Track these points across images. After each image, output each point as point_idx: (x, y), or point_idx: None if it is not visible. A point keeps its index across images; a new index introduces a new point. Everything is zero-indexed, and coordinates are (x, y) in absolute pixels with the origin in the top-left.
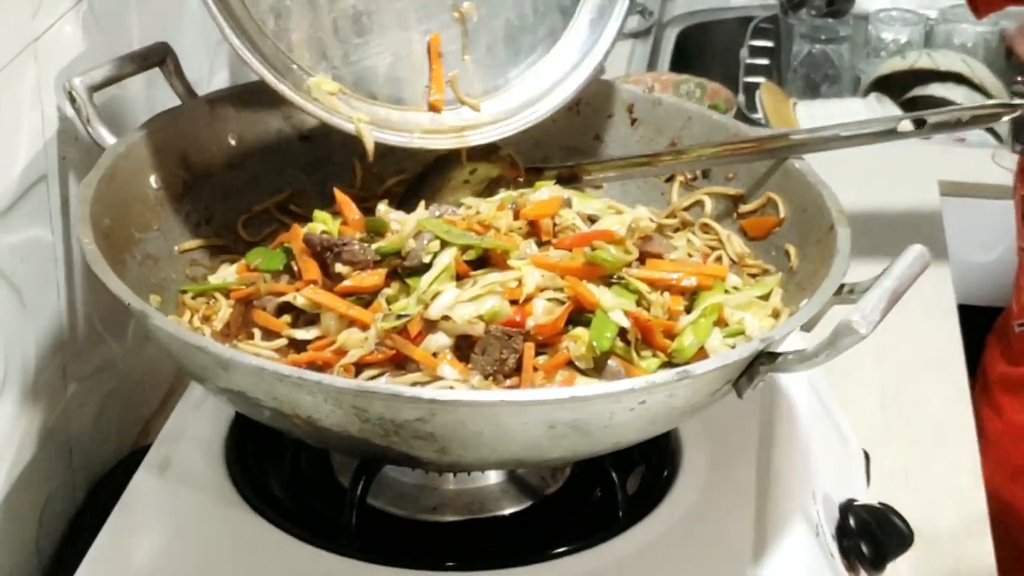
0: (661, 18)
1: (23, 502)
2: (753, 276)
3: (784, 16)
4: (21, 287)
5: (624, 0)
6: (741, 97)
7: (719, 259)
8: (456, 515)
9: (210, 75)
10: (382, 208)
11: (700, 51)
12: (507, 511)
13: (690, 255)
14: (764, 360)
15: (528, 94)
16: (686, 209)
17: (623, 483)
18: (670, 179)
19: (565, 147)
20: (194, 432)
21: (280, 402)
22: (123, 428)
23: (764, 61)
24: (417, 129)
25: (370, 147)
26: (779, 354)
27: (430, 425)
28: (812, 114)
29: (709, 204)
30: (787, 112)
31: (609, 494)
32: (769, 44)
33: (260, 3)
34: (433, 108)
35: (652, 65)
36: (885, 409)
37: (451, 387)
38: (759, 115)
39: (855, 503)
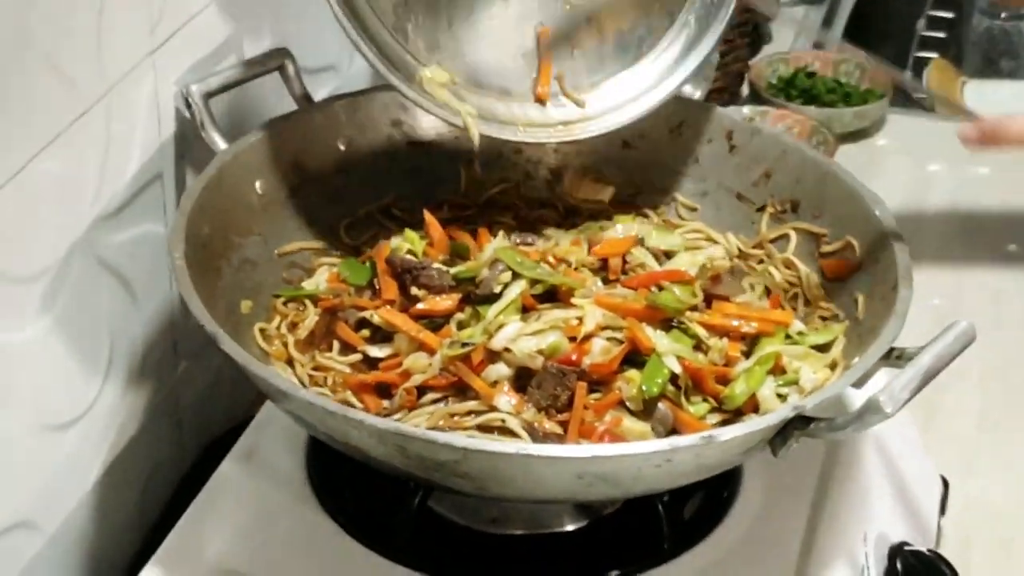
0: None
1: (128, 472)
2: (824, 319)
3: None
4: (131, 279)
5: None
6: (908, 73)
7: (795, 297)
8: (513, 529)
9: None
10: None
11: (878, 18)
12: (564, 529)
13: (768, 289)
14: (797, 424)
15: (633, 90)
16: (772, 241)
17: (671, 513)
18: (761, 208)
19: (664, 168)
20: (282, 425)
21: (332, 431)
22: (235, 400)
23: (941, 34)
24: (521, 122)
25: (475, 139)
26: (812, 420)
27: (465, 467)
28: (981, 94)
29: (794, 239)
30: (954, 92)
31: (652, 525)
32: (950, 15)
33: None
34: (539, 100)
35: (823, 32)
36: (981, 433)
37: (503, 420)
38: (924, 95)
39: (905, 547)
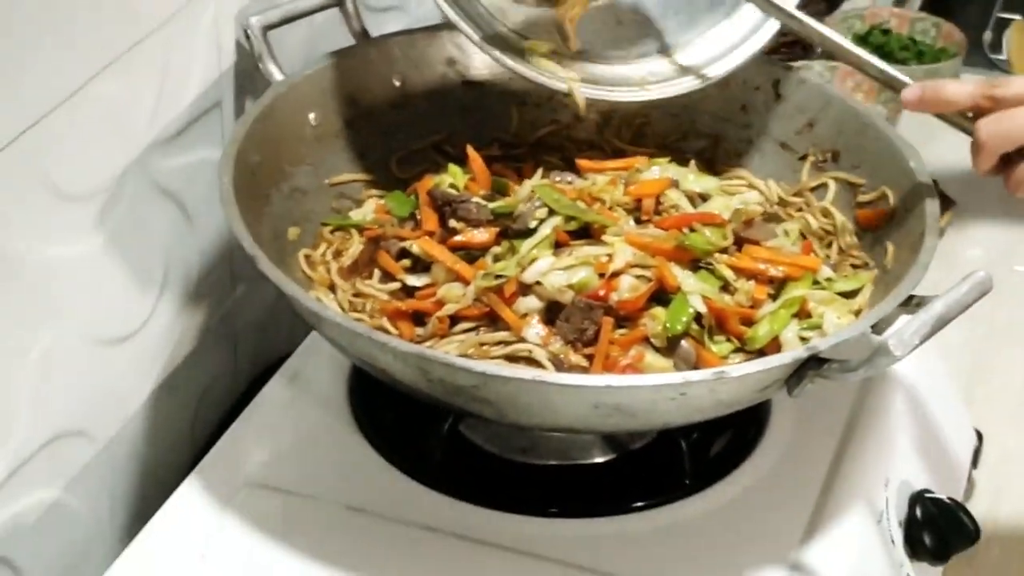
0: None
1: (181, 389)
2: (855, 267)
3: None
4: (187, 203)
5: None
6: (988, 34)
7: (831, 244)
8: (543, 459)
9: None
10: None
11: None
12: (592, 461)
13: (804, 236)
14: (812, 365)
15: (724, 45)
16: (812, 190)
17: (696, 450)
18: (803, 157)
19: (712, 114)
20: (328, 351)
21: (362, 354)
22: (292, 326)
23: (1019, 15)
24: (621, 83)
25: (582, 105)
26: (825, 361)
27: (484, 392)
28: None
29: (832, 188)
30: None
31: (677, 461)
32: None
33: None
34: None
35: None
36: None
37: (530, 351)
38: (1003, 56)
39: (926, 494)
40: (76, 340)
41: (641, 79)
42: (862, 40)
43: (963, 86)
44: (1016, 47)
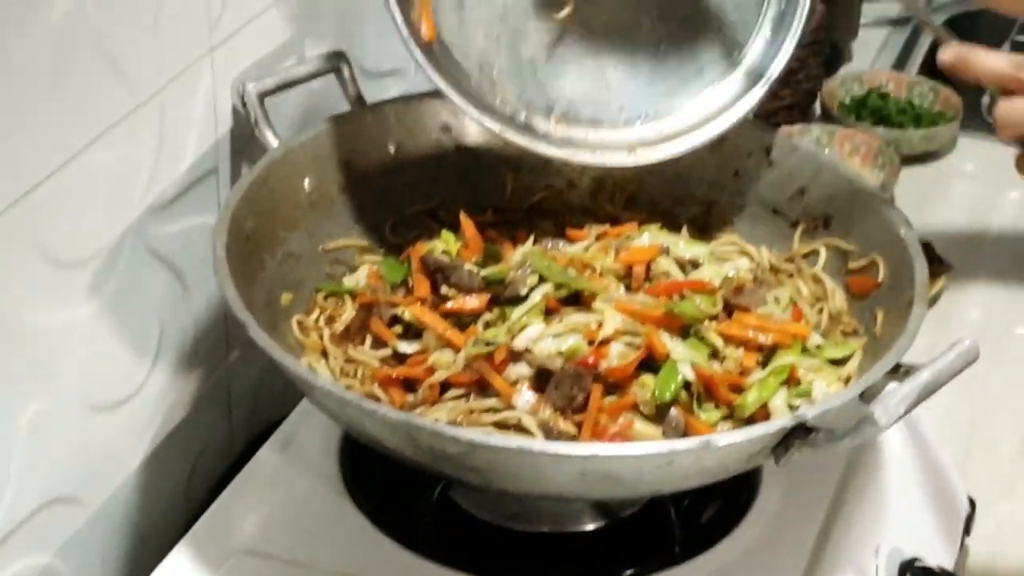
0: (930, 3)
1: (174, 456)
2: (845, 334)
3: None
4: (183, 269)
5: (798, 19)
6: (986, 98)
7: (821, 311)
8: (533, 526)
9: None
10: None
11: (972, 32)
12: (582, 528)
13: (794, 303)
14: (798, 434)
15: (701, 113)
16: (804, 256)
17: (686, 517)
18: (795, 223)
19: (705, 180)
20: (320, 416)
21: (351, 420)
22: (286, 392)
23: None
24: (591, 146)
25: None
26: (812, 430)
27: (472, 460)
28: None
29: (824, 255)
30: None
31: (667, 528)
32: None
33: (469, 56)
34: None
35: (904, 56)
36: (1022, 456)
37: (519, 419)
38: None
39: (916, 563)
40: (69, 405)
41: (629, 144)
42: (860, 103)
43: (996, 60)
44: None
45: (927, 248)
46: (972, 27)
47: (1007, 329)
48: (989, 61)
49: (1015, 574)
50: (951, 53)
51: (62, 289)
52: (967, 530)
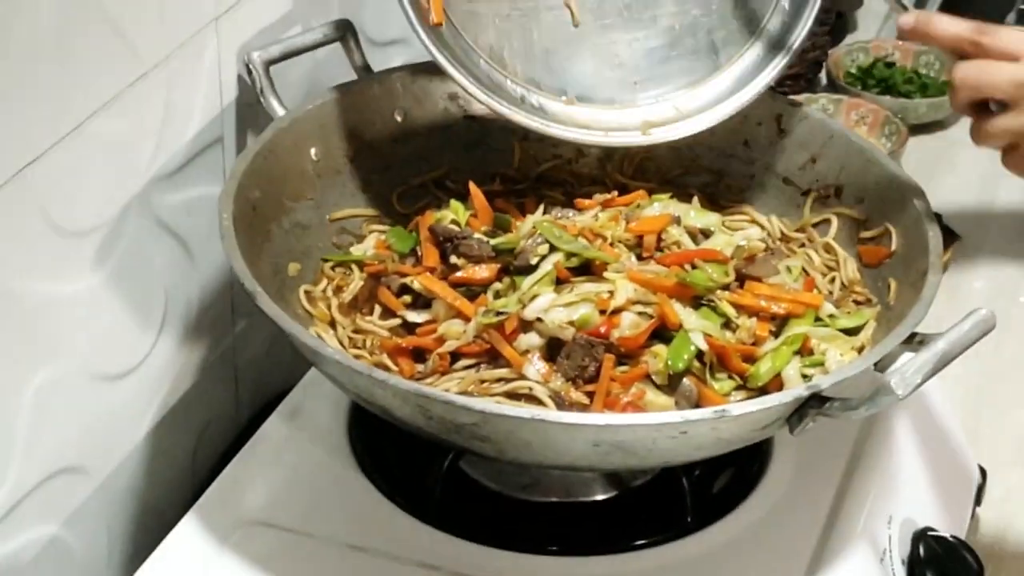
0: None
1: (181, 425)
2: (858, 304)
3: None
4: (188, 239)
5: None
6: None
7: (833, 280)
8: (544, 496)
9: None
10: None
11: (967, 12)
12: (593, 498)
13: (807, 272)
14: (813, 404)
15: (718, 91)
16: (815, 225)
17: (698, 487)
18: (806, 192)
19: (714, 149)
20: (328, 386)
21: (360, 391)
22: (293, 361)
23: None
24: (604, 127)
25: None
26: (827, 400)
27: (484, 430)
28: None
29: (835, 224)
30: None
31: (679, 498)
32: None
33: (480, 38)
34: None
35: None
36: None
37: (530, 388)
38: None
39: (929, 532)
40: (75, 376)
41: (644, 123)
42: (866, 72)
43: (953, 25)
44: None
45: (936, 218)
46: (971, 3)
47: (1014, 299)
48: (945, 25)
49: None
50: (910, 18)
51: (67, 259)
52: (978, 500)
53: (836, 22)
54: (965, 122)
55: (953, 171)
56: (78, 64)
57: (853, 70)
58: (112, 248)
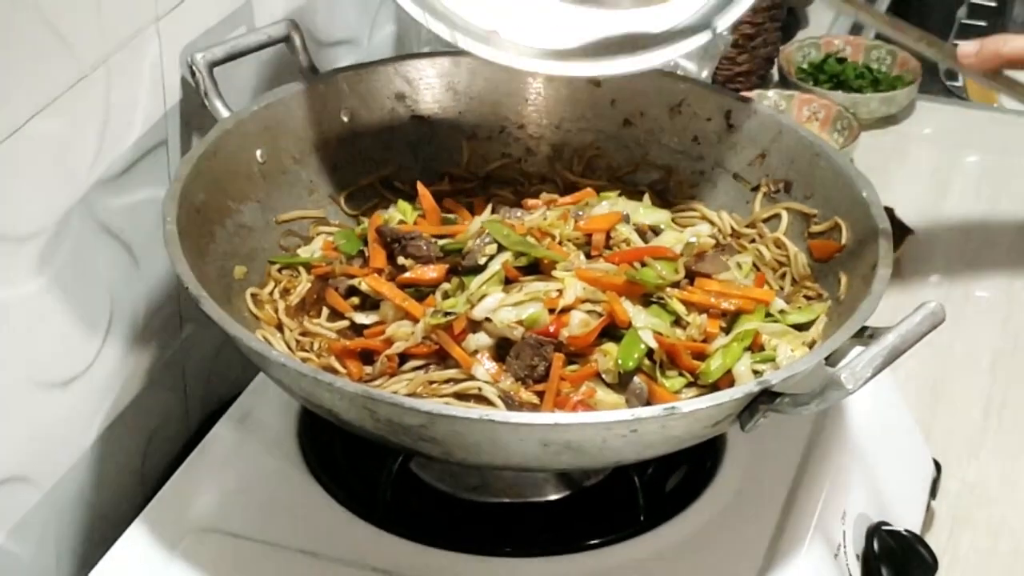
0: None
1: (128, 433)
2: (809, 299)
3: None
4: (133, 244)
5: None
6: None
7: (784, 276)
8: (495, 497)
9: (372, 31)
10: None
11: (918, 4)
12: (545, 498)
13: (757, 268)
14: (764, 400)
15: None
16: (765, 221)
17: (650, 486)
18: (756, 188)
19: (664, 146)
20: (276, 390)
21: (307, 394)
22: (242, 366)
23: (982, 23)
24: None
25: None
26: (777, 395)
27: (432, 431)
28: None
29: (785, 219)
30: None
31: (632, 497)
32: (992, 3)
33: None
34: None
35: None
36: (987, 419)
37: (479, 389)
38: (959, 83)
39: (884, 527)
40: (18, 383)
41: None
42: (818, 68)
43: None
44: None
45: (888, 213)
46: (920, 13)
47: (968, 292)
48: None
49: (980, 536)
50: (972, 49)
51: (8, 264)
52: (933, 493)
53: (787, 18)
54: (917, 117)
55: (905, 165)
56: (15, 66)
57: (804, 66)
58: (54, 253)
